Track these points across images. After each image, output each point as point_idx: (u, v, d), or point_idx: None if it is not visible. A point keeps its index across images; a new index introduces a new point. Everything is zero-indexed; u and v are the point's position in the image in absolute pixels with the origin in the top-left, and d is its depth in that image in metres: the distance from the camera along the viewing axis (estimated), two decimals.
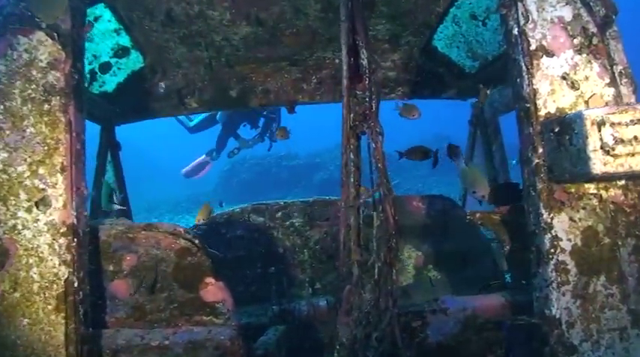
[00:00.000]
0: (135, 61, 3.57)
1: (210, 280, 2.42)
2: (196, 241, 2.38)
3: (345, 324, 2.49)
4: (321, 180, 22.19)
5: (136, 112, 3.94)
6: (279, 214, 4.16)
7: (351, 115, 2.33)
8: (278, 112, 8.10)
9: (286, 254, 4.07)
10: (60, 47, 2.17)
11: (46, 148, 2.10)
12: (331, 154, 22.76)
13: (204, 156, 9.62)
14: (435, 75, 4.00)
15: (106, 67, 3.46)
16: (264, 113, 8.00)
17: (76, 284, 2.07)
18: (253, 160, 23.28)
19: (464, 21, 3.47)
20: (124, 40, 3.35)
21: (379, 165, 2.32)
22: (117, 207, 3.37)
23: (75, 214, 2.11)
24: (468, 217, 2.69)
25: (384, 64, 3.94)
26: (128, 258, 2.36)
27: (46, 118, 2.12)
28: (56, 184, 2.09)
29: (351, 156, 2.37)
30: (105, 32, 3.21)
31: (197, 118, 9.01)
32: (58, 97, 2.14)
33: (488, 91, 3.68)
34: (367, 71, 2.29)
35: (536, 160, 2.26)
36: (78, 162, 2.16)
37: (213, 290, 2.43)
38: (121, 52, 3.42)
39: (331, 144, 21.96)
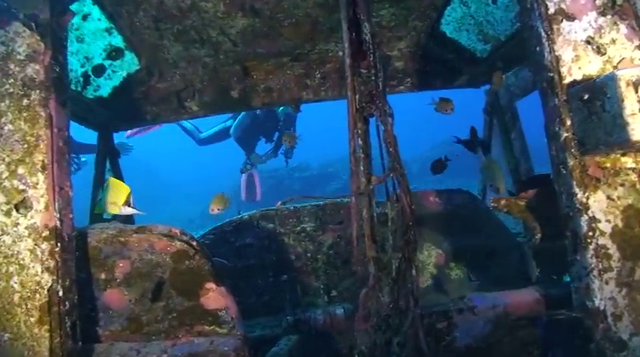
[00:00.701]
0: (130, 63, 3.43)
1: (211, 285, 2.21)
2: (194, 243, 2.18)
3: (363, 331, 2.27)
4: (334, 190, 21.97)
5: (134, 117, 3.79)
6: (290, 219, 3.97)
7: (357, 96, 2.13)
8: (294, 125, 7.90)
9: (299, 261, 3.86)
10: (39, 38, 2.02)
11: (25, 145, 1.93)
12: (344, 163, 22.53)
13: (243, 176, 9.19)
14: (444, 62, 3.79)
15: (99, 70, 3.31)
16: (279, 127, 7.81)
17: (60, 293, 1.88)
18: (266, 172, 23.17)
19: (472, 0, 3.27)
20: (117, 40, 3.21)
21: (391, 149, 2.11)
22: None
23: (58, 216, 1.93)
24: (492, 204, 2.44)
25: (391, 53, 3.74)
26: (121, 264, 2.16)
27: (25, 114, 1.95)
28: (37, 184, 1.91)
29: (359, 142, 2.15)
30: (95, 32, 3.07)
31: (208, 131, 8.80)
32: (37, 91, 1.98)
33: (503, 76, 3.45)
34: (371, 47, 2.09)
35: (565, 134, 2.03)
36: (61, 160, 1.99)
37: (214, 296, 2.22)
38: (114, 53, 3.27)
39: (344, 153, 21.79)
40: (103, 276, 2.16)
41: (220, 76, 3.75)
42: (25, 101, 1.96)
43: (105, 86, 3.48)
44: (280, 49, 3.56)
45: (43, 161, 1.92)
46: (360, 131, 2.14)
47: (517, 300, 2.30)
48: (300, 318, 3.10)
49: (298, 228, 3.92)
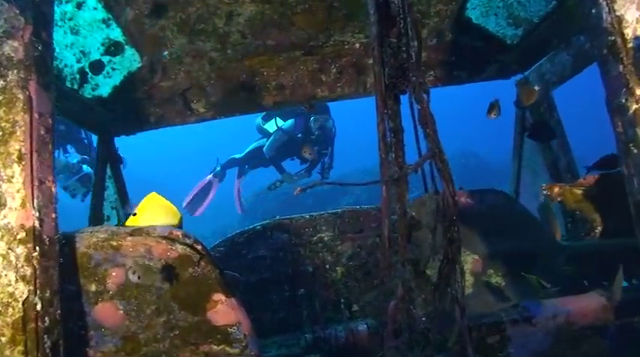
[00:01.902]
0: (130, 59, 3.17)
1: (219, 296, 1.88)
2: (198, 247, 1.86)
3: (393, 348, 1.93)
4: (347, 204, 21.61)
5: (137, 120, 3.51)
6: (305, 228, 3.67)
7: (386, 70, 1.82)
8: (331, 146, 7.49)
9: (316, 273, 3.56)
10: (17, 12, 1.75)
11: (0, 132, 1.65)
12: (357, 177, 22.26)
13: (200, 182, 8.46)
14: (471, 52, 3.48)
15: (97, 67, 3.06)
16: (317, 148, 7.42)
17: (39, 307, 1.56)
18: (278, 188, 22.96)
19: None
20: (116, 33, 2.96)
21: (428, 131, 1.78)
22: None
23: (37, 215, 1.62)
24: (545, 192, 2.10)
25: (412, 43, 3.44)
26: (114, 274, 1.85)
27: (0, 97, 1.68)
28: (12, 177, 1.61)
29: (390, 124, 1.83)
30: (92, 23, 2.82)
31: (244, 151, 8.35)
32: (15, 72, 1.70)
33: (536, 89, 3.12)
34: (401, 11, 1.78)
35: (635, 106, 1.70)
36: (42, 150, 1.69)
37: (224, 310, 1.89)
38: (113, 48, 3.02)
39: (357, 167, 21.49)
40: (93, 287, 1.84)
41: (228, 73, 3.47)
42: (1, 83, 1.69)
43: (104, 85, 3.22)
44: (292, 40, 3.28)
45: (19, 151, 1.63)
46: (390, 112, 1.82)
47: (581, 307, 1.94)
48: (319, 336, 2.84)
49: (315, 238, 3.65)
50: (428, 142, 1.78)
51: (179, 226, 2.24)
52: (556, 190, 2.02)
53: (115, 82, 3.25)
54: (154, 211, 2.18)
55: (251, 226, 3.78)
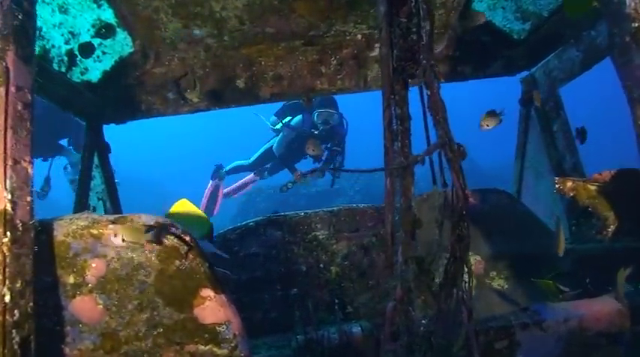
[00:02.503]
0: (122, 43, 3.02)
1: (207, 292, 1.74)
2: (187, 238, 1.72)
3: (391, 352, 1.80)
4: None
5: (127, 108, 3.36)
6: (300, 226, 3.55)
7: (394, 52, 1.69)
8: (343, 143, 7.18)
9: (310, 273, 3.42)
10: None
11: None
12: (349, 180, 22.11)
13: (209, 186, 8.43)
14: (476, 46, 3.36)
15: (87, 50, 2.91)
16: (329, 145, 7.19)
17: (7, 298, 1.41)
18: (270, 189, 22.76)
19: None
20: (107, 15, 2.81)
21: (438, 118, 1.65)
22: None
23: (10, 197, 1.48)
24: (557, 185, 1.98)
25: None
26: (94, 265, 1.70)
27: None
28: None
29: (397, 110, 1.71)
30: (82, 2, 2.68)
31: (254, 156, 8.17)
32: None
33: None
34: None
35: None
36: (18, 126, 1.55)
37: (212, 307, 1.74)
38: (104, 30, 2.87)
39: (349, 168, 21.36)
40: (71, 279, 1.70)
41: (224, 62, 3.33)
42: None
43: (94, 69, 3.07)
44: (292, 29, 3.15)
45: None
46: (397, 97, 1.70)
47: (594, 312, 1.82)
48: (311, 337, 2.66)
49: (309, 236, 3.53)
50: (437, 131, 1.65)
51: (209, 234, 2.13)
52: (569, 184, 1.91)
53: (105, 67, 3.10)
54: (184, 219, 2.06)
55: (244, 223, 3.65)
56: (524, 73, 3.57)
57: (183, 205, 2.15)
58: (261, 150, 8.01)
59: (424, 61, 1.65)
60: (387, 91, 1.70)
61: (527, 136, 3.59)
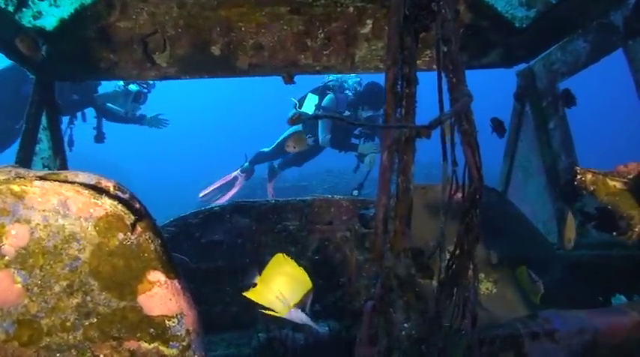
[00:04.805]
0: None
1: (157, 276, 1.39)
2: (136, 205, 1.37)
3: None
4: None
5: (85, 64, 2.96)
6: (269, 214, 3.29)
7: None
8: None
9: None
10: None
11: None
12: (318, 177, 21.95)
13: (237, 171, 7.83)
14: (475, 32, 3.13)
15: None
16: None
17: None
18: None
19: None
20: None
21: (453, 79, 1.37)
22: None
23: None
24: (577, 177, 1.74)
25: None
26: (13, 232, 1.33)
27: None
28: None
29: (404, 69, 1.41)
30: None
31: (274, 142, 7.57)
32: None
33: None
34: None
35: None
36: None
37: (162, 295, 1.40)
38: None
39: (319, 169, 21.18)
40: None
41: (200, 23, 2.99)
42: None
43: (49, 15, 2.68)
44: None
45: None
46: (407, 53, 1.40)
47: (611, 323, 1.59)
48: (274, 336, 2.59)
49: (279, 226, 3.30)
50: (451, 95, 1.37)
51: (308, 299, 1.81)
52: (589, 176, 1.68)
53: (62, 14, 2.71)
54: (282, 279, 1.83)
55: (208, 207, 3.34)
56: (521, 68, 3.38)
57: (282, 263, 1.87)
58: (283, 136, 7.55)
59: (442, 10, 1.37)
60: (395, 44, 1.40)
61: (519, 133, 3.39)
